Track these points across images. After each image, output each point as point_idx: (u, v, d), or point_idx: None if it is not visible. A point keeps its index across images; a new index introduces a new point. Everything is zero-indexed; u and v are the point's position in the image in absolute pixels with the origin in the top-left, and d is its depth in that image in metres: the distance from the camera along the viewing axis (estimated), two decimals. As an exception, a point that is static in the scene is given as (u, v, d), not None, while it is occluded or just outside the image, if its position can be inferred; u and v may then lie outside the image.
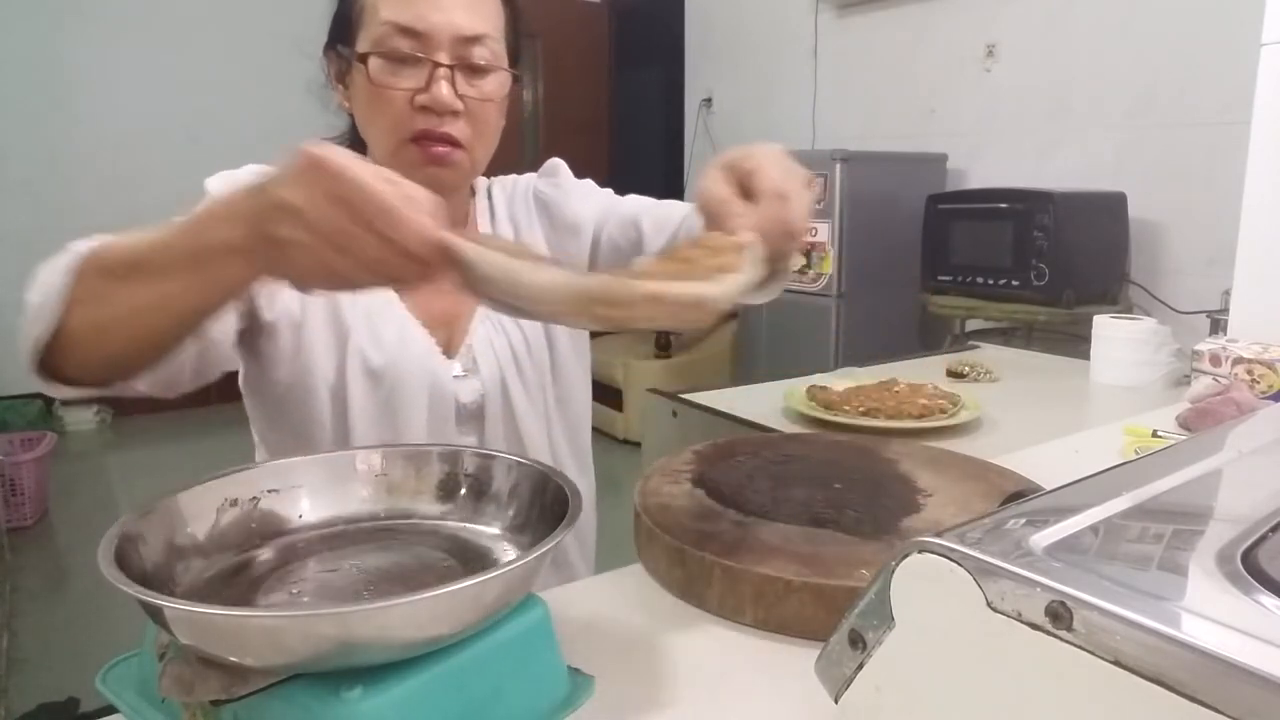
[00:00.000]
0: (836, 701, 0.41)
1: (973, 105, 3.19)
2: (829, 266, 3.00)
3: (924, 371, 1.51)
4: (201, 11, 4.26)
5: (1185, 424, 1.12)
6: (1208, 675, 0.28)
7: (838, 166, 2.93)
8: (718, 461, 0.86)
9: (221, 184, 0.81)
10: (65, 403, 4.09)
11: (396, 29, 0.81)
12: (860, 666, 0.39)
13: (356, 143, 0.93)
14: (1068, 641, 0.32)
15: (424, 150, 0.84)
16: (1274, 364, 1.16)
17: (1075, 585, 0.32)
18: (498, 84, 0.87)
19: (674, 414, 1.45)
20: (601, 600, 0.69)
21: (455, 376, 0.92)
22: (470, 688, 0.47)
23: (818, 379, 1.42)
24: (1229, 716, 0.28)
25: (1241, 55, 1.43)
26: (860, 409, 1.24)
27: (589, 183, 1.06)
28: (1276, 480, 0.48)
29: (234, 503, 0.58)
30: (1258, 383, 1.17)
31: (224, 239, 0.54)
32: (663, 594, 0.68)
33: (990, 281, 2.63)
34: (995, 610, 0.34)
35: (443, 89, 0.82)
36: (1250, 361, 1.18)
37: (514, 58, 0.92)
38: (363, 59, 0.83)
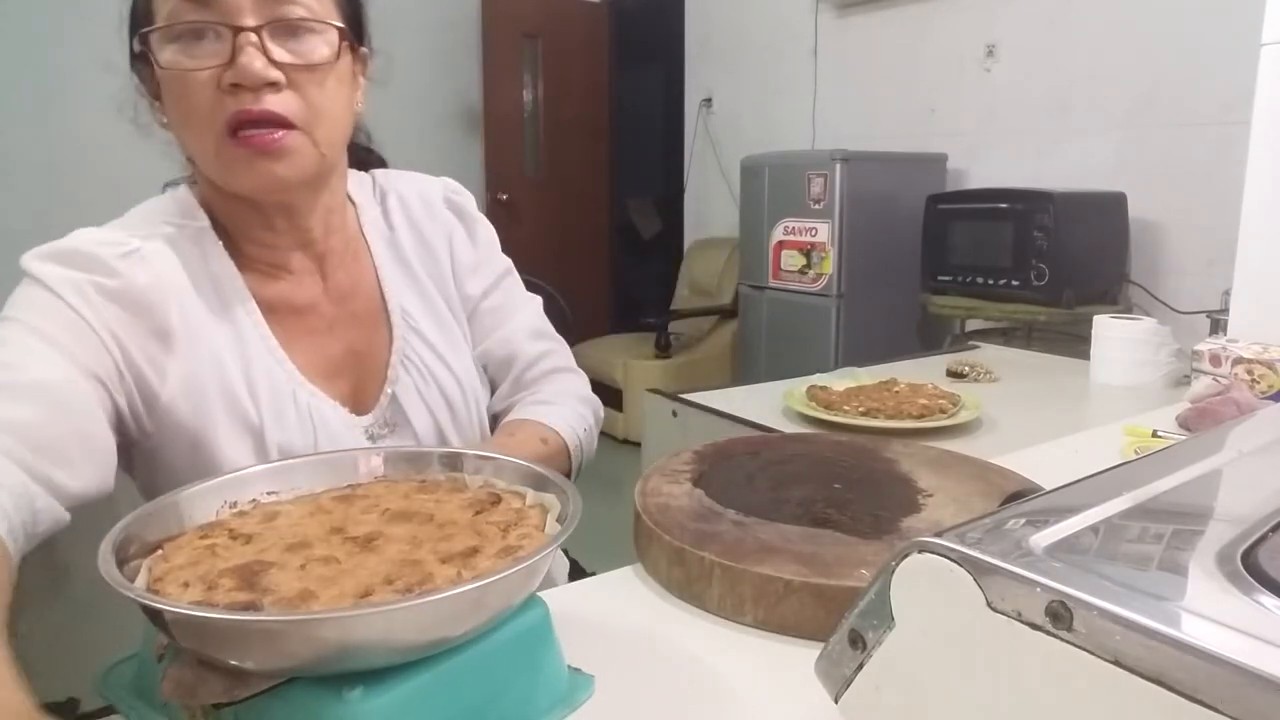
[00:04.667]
0: (836, 701, 0.41)
1: (973, 105, 3.19)
2: (829, 266, 3.00)
3: (924, 371, 1.51)
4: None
5: (1185, 424, 1.12)
6: (1208, 675, 0.28)
7: (838, 166, 2.92)
8: (718, 461, 0.86)
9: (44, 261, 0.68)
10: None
11: (184, 2, 0.67)
12: (860, 666, 0.39)
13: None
14: (1068, 641, 0.32)
15: (246, 142, 0.68)
16: (1274, 364, 1.16)
17: (1075, 585, 0.32)
18: (325, 45, 0.71)
19: (674, 414, 1.45)
20: (601, 600, 0.69)
21: (376, 435, 0.80)
22: (471, 688, 0.47)
23: (818, 379, 1.43)
24: (1229, 716, 0.28)
25: (1241, 55, 1.43)
26: (860, 409, 1.24)
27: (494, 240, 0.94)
28: (1276, 480, 0.48)
29: (233, 505, 0.58)
30: (1258, 383, 1.17)
31: None
32: (663, 594, 0.68)
33: (990, 281, 2.63)
34: (995, 610, 0.34)
35: (253, 58, 0.66)
36: (1250, 361, 1.18)
37: (355, 19, 0.78)
38: (156, 39, 0.68)
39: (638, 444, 3.49)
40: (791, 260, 3.14)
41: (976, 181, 3.15)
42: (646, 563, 0.72)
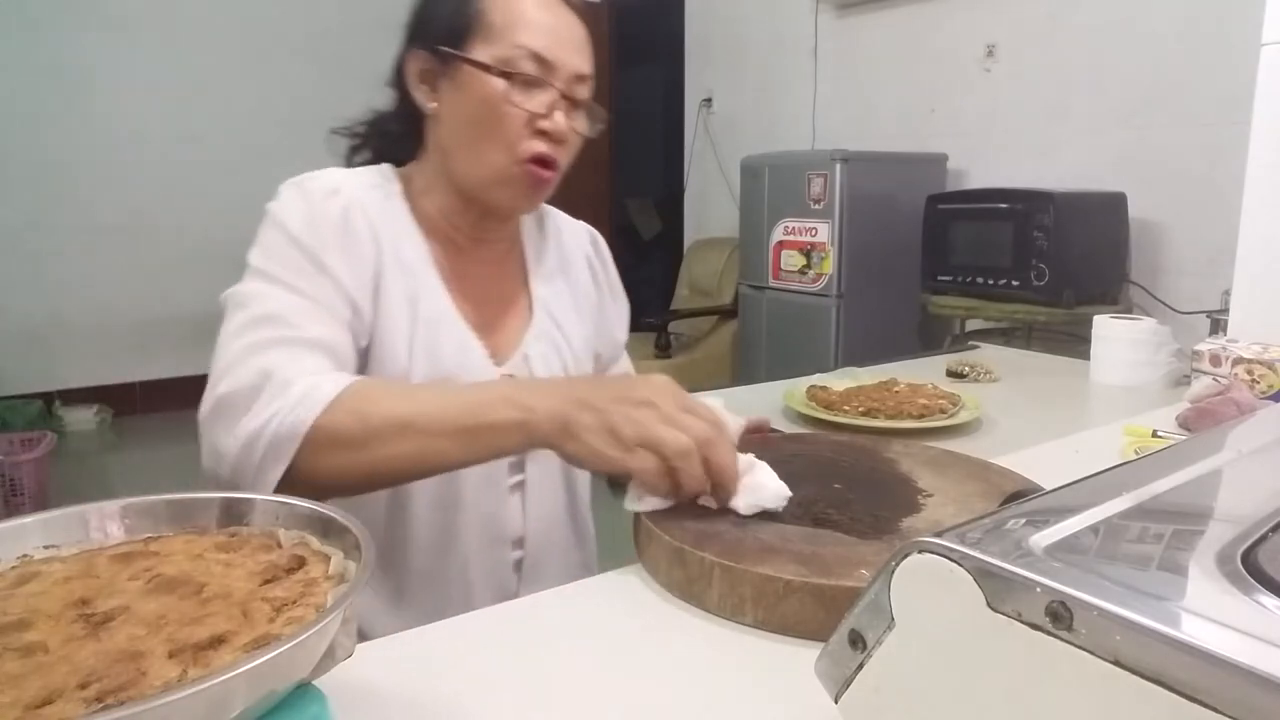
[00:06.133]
0: (836, 701, 0.41)
1: (973, 105, 3.19)
2: (829, 266, 3.00)
3: (924, 371, 1.51)
4: (203, 12, 4.27)
5: (1185, 424, 1.12)
6: (1208, 675, 0.28)
7: (838, 166, 2.92)
8: (718, 461, 0.86)
9: (294, 192, 0.86)
10: (65, 403, 4.09)
11: (529, 54, 0.86)
12: (860, 666, 0.39)
13: (403, 138, 0.95)
14: (1068, 641, 0.32)
15: (533, 174, 0.89)
16: (1274, 364, 1.16)
17: (1075, 585, 0.32)
18: (593, 121, 0.94)
19: (674, 414, 1.45)
20: (601, 600, 0.69)
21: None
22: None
23: (818, 379, 1.42)
24: (1229, 716, 0.28)
25: (1241, 55, 1.43)
26: (860, 409, 1.24)
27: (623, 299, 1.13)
28: (1276, 480, 0.48)
29: None
30: (1258, 383, 1.17)
31: (513, 419, 0.69)
32: (663, 594, 0.68)
33: (990, 281, 2.63)
34: (995, 610, 0.34)
35: (562, 119, 0.88)
36: (1250, 361, 1.18)
37: None
38: (500, 73, 0.86)
39: (638, 444, 3.48)
40: (791, 260, 3.14)
41: (976, 181, 3.15)
42: (646, 563, 0.72)
